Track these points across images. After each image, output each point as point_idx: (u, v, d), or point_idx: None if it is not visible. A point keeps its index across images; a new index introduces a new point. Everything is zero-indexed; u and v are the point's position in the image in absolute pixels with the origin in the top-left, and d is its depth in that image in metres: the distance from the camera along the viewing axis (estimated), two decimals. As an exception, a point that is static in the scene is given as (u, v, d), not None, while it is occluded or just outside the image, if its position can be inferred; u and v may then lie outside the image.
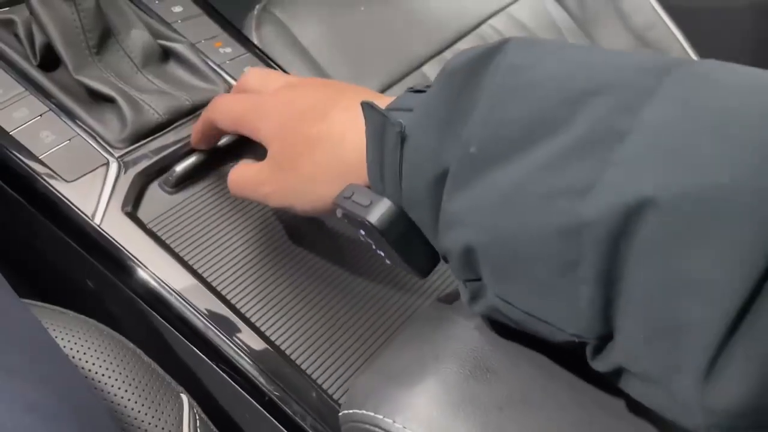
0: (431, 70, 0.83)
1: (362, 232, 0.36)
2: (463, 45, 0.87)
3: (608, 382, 0.29)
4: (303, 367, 0.44)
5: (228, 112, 0.45)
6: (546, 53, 0.29)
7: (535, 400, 0.30)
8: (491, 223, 0.28)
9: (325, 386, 0.43)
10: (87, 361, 0.41)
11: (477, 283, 0.31)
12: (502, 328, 0.34)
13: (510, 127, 0.28)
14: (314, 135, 0.38)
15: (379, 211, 0.33)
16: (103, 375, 0.40)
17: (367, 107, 0.34)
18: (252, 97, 0.44)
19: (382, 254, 0.37)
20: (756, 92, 0.24)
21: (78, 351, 0.41)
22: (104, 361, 0.41)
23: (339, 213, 0.36)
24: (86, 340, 0.42)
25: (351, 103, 0.37)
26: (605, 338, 0.27)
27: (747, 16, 1.09)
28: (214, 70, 0.57)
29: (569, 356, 0.32)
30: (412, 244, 0.34)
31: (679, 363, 0.24)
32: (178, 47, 0.55)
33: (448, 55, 0.84)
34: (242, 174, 0.44)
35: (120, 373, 0.41)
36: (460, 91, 0.30)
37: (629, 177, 0.24)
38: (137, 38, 0.54)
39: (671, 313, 0.23)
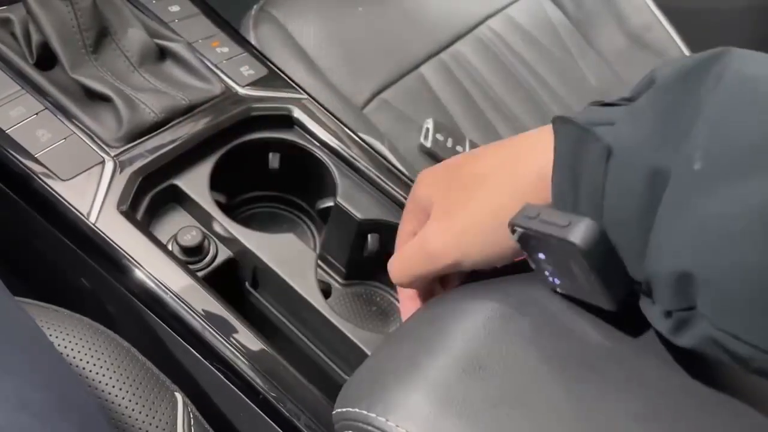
0: (429, 71, 0.83)
1: (542, 257, 0.34)
2: (460, 46, 0.87)
3: (601, 380, 0.29)
4: (297, 365, 0.44)
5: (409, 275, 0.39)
6: None
7: (528, 397, 0.30)
8: (723, 250, 0.25)
9: (319, 385, 0.43)
10: (81, 360, 0.41)
11: (688, 312, 0.28)
12: (497, 326, 0.34)
13: (746, 142, 0.25)
14: (481, 169, 0.36)
15: (582, 231, 0.30)
16: (97, 373, 0.40)
17: (561, 121, 0.32)
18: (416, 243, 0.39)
19: (559, 283, 0.34)
20: None
21: (72, 349, 0.41)
22: (98, 359, 0.41)
23: (516, 236, 0.33)
24: (80, 339, 0.42)
25: (506, 144, 0.36)
26: None
27: (744, 17, 1.09)
28: (211, 70, 0.57)
29: (564, 355, 0.32)
30: (611, 269, 0.31)
31: None
32: (175, 46, 0.55)
33: (445, 56, 0.85)
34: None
35: (114, 372, 0.41)
36: (676, 102, 0.28)
37: None
38: (134, 37, 0.54)
39: None
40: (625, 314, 0.33)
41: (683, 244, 0.27)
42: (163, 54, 0.56)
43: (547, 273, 0.34)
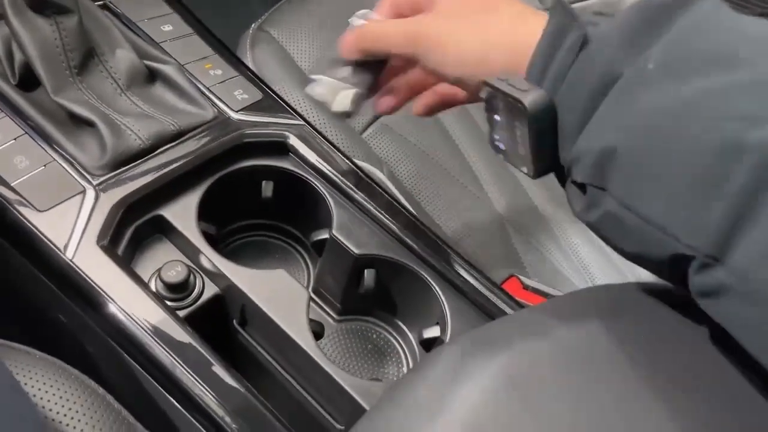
0: (431, 94, 0.81)
1: (496, 118, 0.39)
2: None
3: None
4: (285, 413, 0.41)
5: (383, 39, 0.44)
6: (736, 15, 0.32)
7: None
8: (650, 127, 0.30)
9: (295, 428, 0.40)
10: (51, 409, 0.38)
11: (598, 191, 0.33)
12: (500, 389, 0.31)
13: (693, 55, 0.30)
14: (490, 5, 0.40)
15: (534, 98, 0.35)
16: (68, 425, 0.37)
17: (560, 4, 0.36)
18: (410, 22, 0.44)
19: (502, 146, 0.40)
20: None
21: (44, 396, 0.38)
22: (69, 409, 0.38)
23: (484, 93, 0.39)
24: (52, 385, 0.39)
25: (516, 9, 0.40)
26: (711, 257, 0.28)
27: None
28: (203, 93, 0.54)
29: (573, 422, 0.29)
30: (545, 140, 0.36)
31: None
32: (166, 68, 0.53)
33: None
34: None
35: (87, 422, 0.38)
36: (652, 19, 0.33)
37: None
38: (122, 58, 0.51)
39: None
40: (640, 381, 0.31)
41: (616, 126, 0.32)
42: (153, 76, 0.53)
43: (496, 137, 0.41)
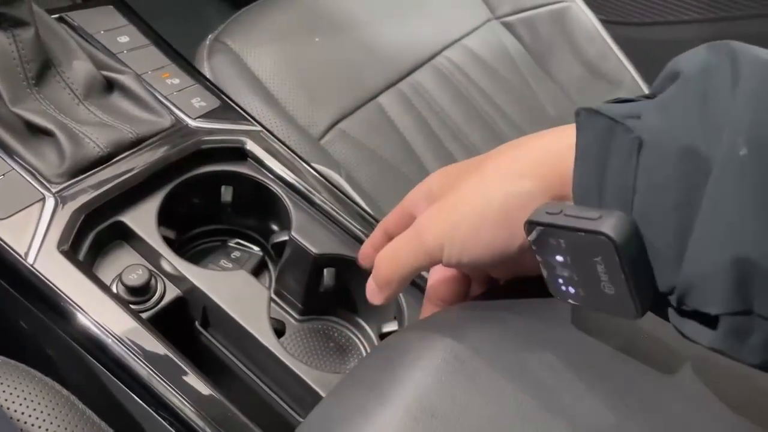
0: (387, 101, 0.83)
1: (560, 259, 0.31)
2: (418, 75, 0.87)
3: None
4: (249, 410, 0.42)
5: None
6: None
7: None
8: None
9: (272, 430, 0.41)
10: (16, 411, 0.38)
11: (743, 317, 0.25)
12: (449, 371, 0.33)
13: None
14: (479, 161, 0.35)
15: (616, 223, 0.28)
16: (32, 424, 0.38)
17: (587, 112, 0.30)
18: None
19: (575, 290, 0.32)
20: None
21: (8, 398, 0.39)
22: (35, 408, 0.39)
23: (535, 234, 0.31)
24: (16, 387, 0.39)
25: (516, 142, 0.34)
26: None
27: (695, 47, 1.12)
28: (161, 102, 0.55)
29: (519, 400, 0.31)
30: (640, 270, 0.29)
31: None
32: (123, 78, 0.54)
33: (403, 85, 0.84)
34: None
35: (52, 422, 0.39)
36: (706, 91, 0.27)
37: None
38: (79, 69, 0.52)
39: None
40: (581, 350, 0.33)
41: (735, 231, 0.25)
42: (110, 86, 0.54)
43: (561, 281, 0.32)
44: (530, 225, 0.31)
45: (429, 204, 0.36)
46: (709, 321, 0.26)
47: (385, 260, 0.37)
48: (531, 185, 0.32)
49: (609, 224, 0.28)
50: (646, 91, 0.74)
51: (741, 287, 0.25)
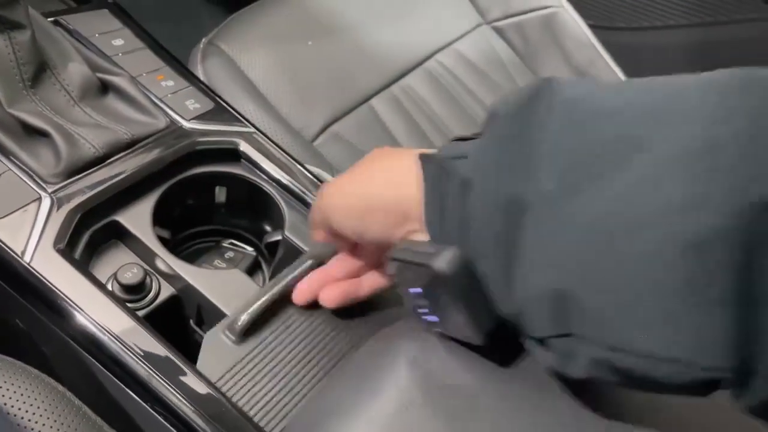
0: (379, 103, 0.84)
1: (414, 292, 0.34)
2: (410, 79, 0.88)
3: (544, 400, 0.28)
4: (243, 407, 0.42)
5: None
6: (592, 86, 0.29)
7: (472, 430, 0.30)
8: (589, 258, 0.25)
9: (267, 428, 0.42)
10: (13, 406, 0.39)
11: (565, 339, 0.27)
12: (441, 360, 0.34)
13: (587, 154, 0.26)
14: (377, 167, 0.38)
15: (445, 257, 0.31)
16: (29, 420, 0.39)
17: (424, 158, 0.33)
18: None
19: (432, 318, 0.35)
20: None
21: (4, 395, 0.39)
22: (31, 405, 0.39)
23: (392, 269, 0.34)
24: (12, 383, 0.40)
25: (395, 164, 0.37)
26: (744, 371, 0.24)
27: (681, 52, 1.13)
28: (155, 104, 0.56)
29: (507, 384, 0.32)
30: (477, 299, 0.31)
31: None
32: (118, 80, 0.54)
33: (395, 89, 0.85)
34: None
35: (48, 417, 0.39)
36: (518, 132, 0.29)
37: (749, 177, 0.22)
38: (74, 71, 0.53)
39: None
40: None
41: (549, 264, 0.27)
42: (105, 88, 0.55)
43: (421, 311, 0.35)
44: (391, 261, 0.35)
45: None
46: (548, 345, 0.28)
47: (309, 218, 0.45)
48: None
49: (442, 258, 0.31)
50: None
51: (559, 313, 0.27)
